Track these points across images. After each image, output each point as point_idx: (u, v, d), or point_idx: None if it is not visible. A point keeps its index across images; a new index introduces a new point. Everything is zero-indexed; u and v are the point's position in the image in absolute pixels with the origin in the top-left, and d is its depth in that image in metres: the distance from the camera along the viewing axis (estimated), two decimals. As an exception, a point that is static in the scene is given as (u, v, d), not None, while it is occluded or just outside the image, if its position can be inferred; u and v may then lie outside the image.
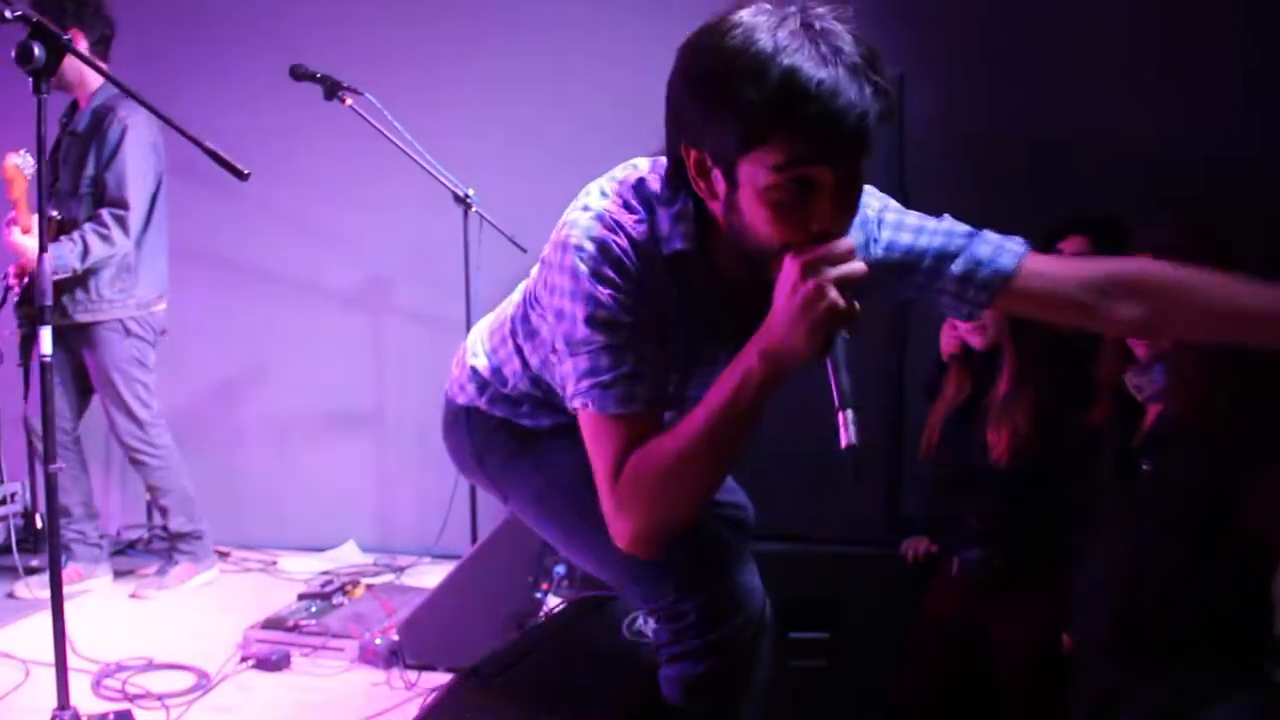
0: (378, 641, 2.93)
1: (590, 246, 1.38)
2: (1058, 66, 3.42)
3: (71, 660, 2.31)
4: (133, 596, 3.56)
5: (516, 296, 1.70)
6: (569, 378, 1.41)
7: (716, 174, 1.33)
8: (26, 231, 3.30)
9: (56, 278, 3.31)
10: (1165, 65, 3.31)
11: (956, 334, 2.57)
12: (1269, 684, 1.92)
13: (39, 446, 3.51)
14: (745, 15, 1.29)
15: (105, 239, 3.40)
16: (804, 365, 1.29)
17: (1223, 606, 1.89)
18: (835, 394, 1.27)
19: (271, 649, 2.94)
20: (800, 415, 2.67)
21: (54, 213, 3.36)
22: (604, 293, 1.37)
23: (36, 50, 2.14)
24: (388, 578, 3.74)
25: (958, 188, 3.49)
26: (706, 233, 1.42)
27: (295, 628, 3.04)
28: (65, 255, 3.32)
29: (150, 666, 2.88)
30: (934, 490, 2.62)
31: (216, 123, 3.64)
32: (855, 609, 2.65)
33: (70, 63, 3.41)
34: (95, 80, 3.50)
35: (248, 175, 2.47)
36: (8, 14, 2.19)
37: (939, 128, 3.39)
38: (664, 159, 1.44)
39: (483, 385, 1.73)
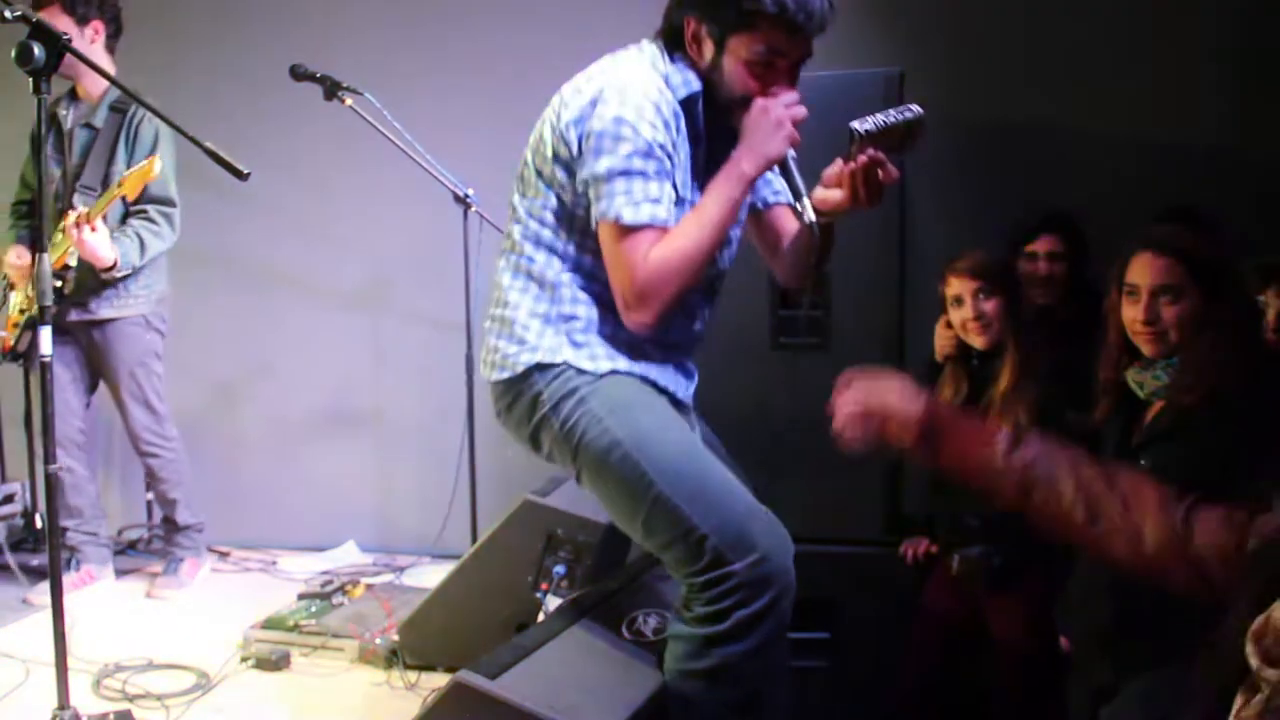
0: (378, 641, 2.93)
1: (632, 97, 1.81)
2: (1057, 63, 3.42)
3: (71, 660, 2.31)
4: (150, 597, 3.55)
5: (517, 233, 1.99)
6: (606, 198, 1.81)
7: (708, 42, 1.87)
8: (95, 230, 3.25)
9: (119, 274, 3.34)
10: (1164, 63, 3.32)
11: (952, 334, 2.58)
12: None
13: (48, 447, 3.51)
14: None
15: (158, 235, 3.43)
16: (773, 163, 1.83)
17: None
18: (795, 186, 1.84)
19: (271, 649, 2.94)
20: (800, 420, 2.68)
21: (80, 207, 3.31)
22: (643, 131, 1.79)
23: (36, 50, 2.13)
24: (388, 578, 3.74)
25: (957, 184, 3.50)
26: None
27: (295, 628, 3.04)
28: (129, 253, 3.34)
29: (150, 666, 2.88)
30: (933, 489, 2.62)
31: (216, 123, 3.66)
32: (855, 609, 2.65)
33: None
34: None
35: (248, 175, 2.47)
36: (8, 14, 2.18)
37: (939, 124, 3.37)
38: (649, 42, 1.94)
39: (545, 318, 1.94)
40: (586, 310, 1.94)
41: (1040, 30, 3.44)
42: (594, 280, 1.94)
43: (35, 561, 3.72)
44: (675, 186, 1.87)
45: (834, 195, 1.87)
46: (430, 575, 3.58)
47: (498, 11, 3.93)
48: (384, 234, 4.07)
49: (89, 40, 3.42)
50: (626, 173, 1.79)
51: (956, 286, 2.49)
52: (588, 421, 1.88)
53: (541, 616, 2.53)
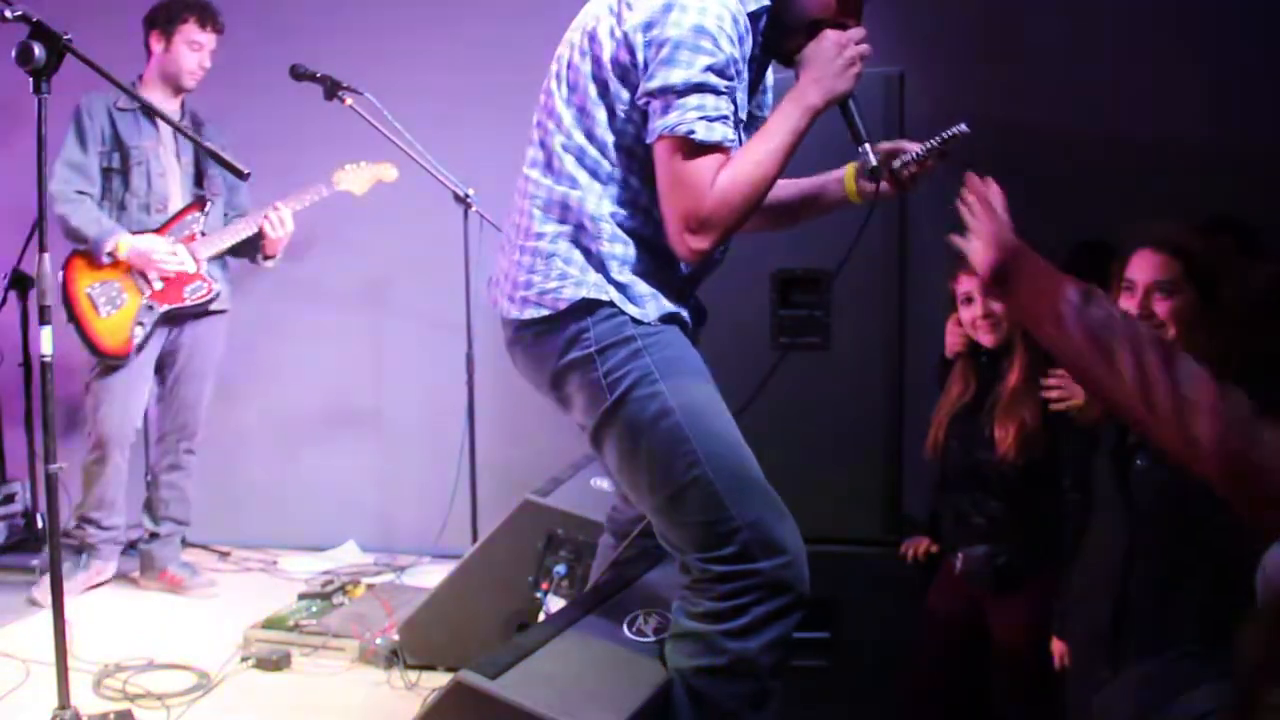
0: (378, 641, 2.93)
1: (712, 6, 1.70)
2: (1057, 66, 3.42)
3: (71, 660, 2.31)
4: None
5: (557, 144, 1.83)
6: (677, 111, 1.69)
7: None
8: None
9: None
10: (1163, 65, 3.32)
11: (963, 331, 2.58)
12: None
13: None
14: None
15: None
16: (840, 99, 1.79)
17: (1210, 599, 1.89)
18: (858, 130, 1.84)
19: (271, 649, 2.94)
20: (800, 418, 2.69)
21: (211, 201, 3.56)
22: (723, 45, 1.70)
23: (36, 50, 2.14)
24: (388, 578, 3.74)
25: (957, 184, 3.50)
26: None
27: (295, 628, 3.04)
28: None
29: (150, 666, 2.88)
30: (939, 487, 2.62)
31: (216, 122, 3.67)
32: (855, 609, 2.65)
33: (173, 55, 3.50)
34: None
35: (248, 175, 2.47)
36: (8, 14, 2.18)
37: (938, 127, 3.38)
38: None
39: (587, 252, 1.81)
40: (624, 248, 1.81)
41: (1041, 30, 3.44)
42: (635, 210, 1.81)
43: (35, 561, 3.71)
44: (737, 106, 1.77)
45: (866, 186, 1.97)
46: (430, 575, 3.58)
47: (498, 10, 3.93)
48: (384, 234, 4.06)
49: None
50: (701, 87, 1.68)
51: (967, 284, 2.50)
52: (637, 377, 1.77)
53: (542, 616, 2.53)
